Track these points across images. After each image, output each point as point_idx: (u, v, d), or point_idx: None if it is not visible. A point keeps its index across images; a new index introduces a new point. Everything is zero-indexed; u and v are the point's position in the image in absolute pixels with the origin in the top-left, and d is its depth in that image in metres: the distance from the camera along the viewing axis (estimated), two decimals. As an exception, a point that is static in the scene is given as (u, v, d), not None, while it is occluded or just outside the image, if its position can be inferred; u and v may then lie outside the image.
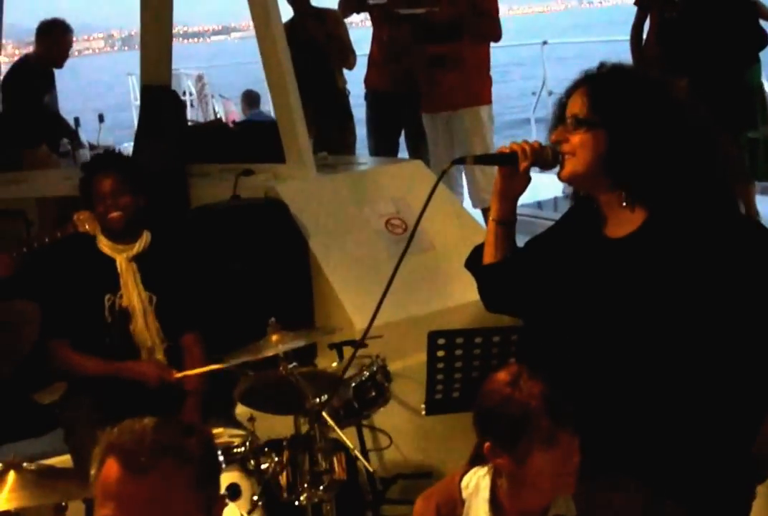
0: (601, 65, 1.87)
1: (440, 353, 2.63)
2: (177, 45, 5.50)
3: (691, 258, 1.76)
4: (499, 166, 1.93)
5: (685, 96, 1.89)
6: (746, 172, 5.03)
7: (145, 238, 2.98)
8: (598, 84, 1.83)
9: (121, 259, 2.93)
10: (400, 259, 1.93)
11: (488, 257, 1.99)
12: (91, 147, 5.03)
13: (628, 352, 1.80)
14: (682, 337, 1.77)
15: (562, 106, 1.87)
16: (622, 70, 1.87)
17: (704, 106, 1.91)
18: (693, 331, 1.76)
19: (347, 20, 5.58)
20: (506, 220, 1.97)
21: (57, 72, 5.43)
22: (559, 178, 1.87)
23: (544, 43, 7.22)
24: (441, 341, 2.61)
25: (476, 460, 1.83)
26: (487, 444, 1.75)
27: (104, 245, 2.94)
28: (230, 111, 8.19)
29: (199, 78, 8.28)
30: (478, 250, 2.03)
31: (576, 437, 1.73)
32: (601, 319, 1.83)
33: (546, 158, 1.88)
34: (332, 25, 5.21)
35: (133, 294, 2.90)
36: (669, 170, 1.77)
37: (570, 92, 1.86)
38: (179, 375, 2.82)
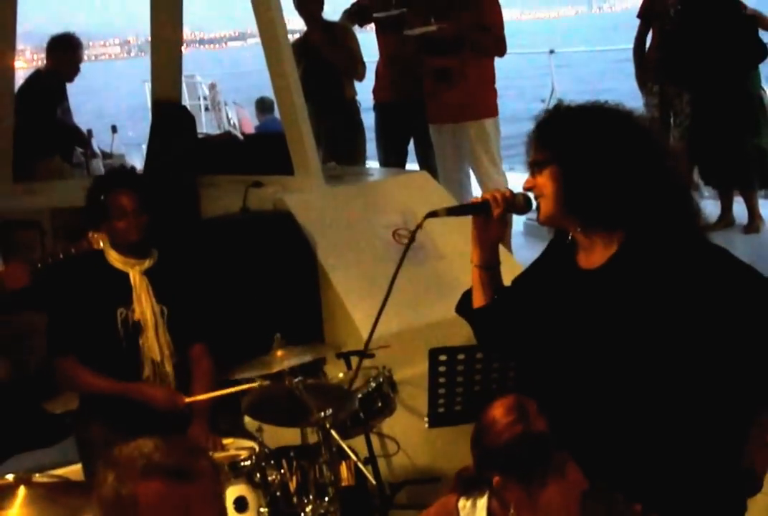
0: (545, 110, 1.94)
1: (442, 369, 2.68)
2: (193, 51, 5.58)
3: (660, 287, 1.80)
4: (473, 215, 1.98)
5: (631, 119, 1.90)
6: (751, 178, 5.06)
7: (155, 254, 2.99)
8: (543, 125, 1.91)
9: (135, 272, 2.93)
10: (396, 272, 1.99)
11: (477, 301, 2.04)
12: (105, 156, 5.10)
13: (609, 380, 1.85)
14: (658, 364, 1.81)
15: (527, 156, 1.94)
16: (560, 107, 1.93)
17: (651, 124, 1.95)
18: (668, 358, 1.80)
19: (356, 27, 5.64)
20: (488, 265, 2.02)
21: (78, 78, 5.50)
22: (539, 222, 1.94)
23: (551, 52, 7.31)
24: (442, 357, 2.67)
25: (464, 488, 1.86)
26: (496, 478, 1.77)
27: (115, 260, 2.95)
28: (243, 117, 8.26)
29: (213, 86, 8.34)
30: (467, 296, 2.08)
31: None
32: (581, 348, 1.88)
33: (518, 204, 1.96)
34: (342, 37, 5.28)
35: (146, 307, 2.91)
36: (623, 197, 1.81)
37: (528, 142, 1.93)
38: (189, 400, 2.82)
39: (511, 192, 1.97)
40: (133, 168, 3.89)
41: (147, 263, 2.96)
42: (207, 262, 3.27)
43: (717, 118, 4.85)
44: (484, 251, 2.00)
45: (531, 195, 1.96)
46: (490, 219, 1.96)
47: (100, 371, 2.88)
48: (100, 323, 2.90)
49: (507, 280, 2.10)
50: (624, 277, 1.83)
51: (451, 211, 2.03)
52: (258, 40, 4.01)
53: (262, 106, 7.56)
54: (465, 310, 2.08)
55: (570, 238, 1.93)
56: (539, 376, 1.98)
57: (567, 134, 1.85)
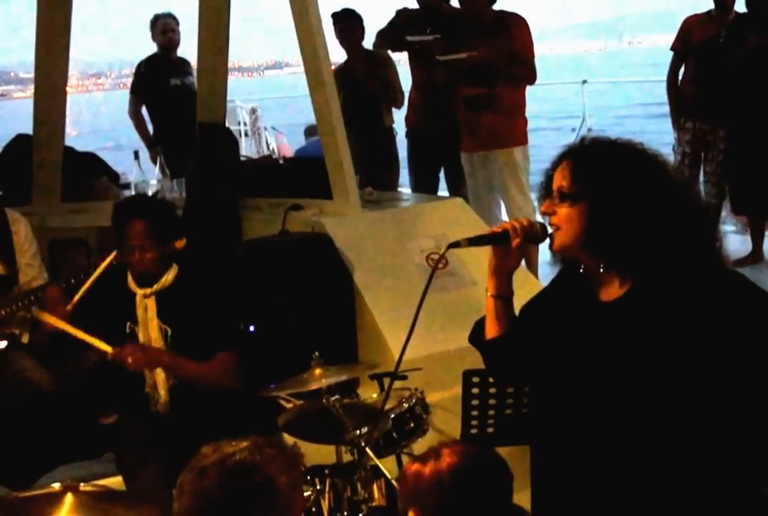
0: (584, 138, 1.94)
1: (474, 391, 2.74)
2: (233, 79, 5.75)
3: (680, 321, 1.80)
4: (493, 245, 2.00)
5: (666, 166, 1.91)
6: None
7: (169, 275, 3.01)
8: (580, 157, 1.89)
9: (140, 295, 3.01)
10: (423, 295, 1.99)
11: (490, 332, 2.03)
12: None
13: (629, 412, 1.84)
14: (678, 400, 1.81)
15: (548, 178, 1.93)
16: (604, 142, 1.91)
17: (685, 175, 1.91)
18: (689, 393, 1.80)
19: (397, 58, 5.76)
20: (503, 294, 2.01)
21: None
22: (551, 250, 1.95)
23: (584, 82, 7.44)
24: (475, 379, 2.72)
25: None
26: None
27: (130, 280, 3.04)
28: (282, 143, 8.40)
29: (253, 111, 8.51)
30: (480, 325, 2.07)
31: None
32: (597, 381, 1.88)
33: (536, 234, 1.97)
34: (381, 66, 5.42)
35: (151, 329, 2.98)
36: (649, 244, 1.81)
37: (556, 165, 1.91)
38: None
39: (529, 221, 1.98)
40: (151, 196, 3.91)
41: (156, 287, 3.00)
42: (239, 280, 3.32)
43: (757, 153, 4.81)
44: (500, 281, 2.00)
45: (547, 223, 1.95)
46: (509, 249, 1.97)
47: (109, 375, 3.01)
48: (110, 332, 2.96)
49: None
50: (643, 310, 1.84)
51: (473, 242, 2.02)
52: (294, 69, 4.12)
53: (309, 131, 7.73)
54: (477, 339, 2.07)
55: (583, 268, 1.93)
56: (553, 407, 1.97)
57: (606, 175, 1.84)
